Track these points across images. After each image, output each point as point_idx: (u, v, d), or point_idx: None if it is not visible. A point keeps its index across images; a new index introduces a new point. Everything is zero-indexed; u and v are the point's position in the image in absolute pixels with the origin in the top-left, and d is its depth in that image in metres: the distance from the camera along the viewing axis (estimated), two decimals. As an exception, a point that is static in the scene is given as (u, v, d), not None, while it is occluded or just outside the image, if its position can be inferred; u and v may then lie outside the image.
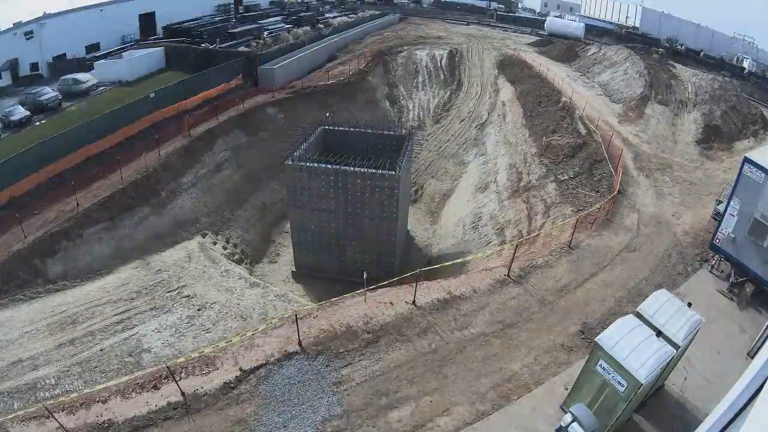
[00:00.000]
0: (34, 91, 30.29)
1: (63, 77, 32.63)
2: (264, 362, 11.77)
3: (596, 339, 9.49)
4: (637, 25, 58.45)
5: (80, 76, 32.81)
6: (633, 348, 9.00)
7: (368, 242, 21.75)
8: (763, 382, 6.82)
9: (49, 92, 30.09)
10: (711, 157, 26.20)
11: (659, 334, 9.71)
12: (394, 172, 20.13)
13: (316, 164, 20.91)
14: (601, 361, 9.31)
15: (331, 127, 24.78)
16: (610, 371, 9.13)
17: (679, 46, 51.65)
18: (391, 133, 24.45)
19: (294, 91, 34.85)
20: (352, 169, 20.31)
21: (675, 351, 9.41)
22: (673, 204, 20.39)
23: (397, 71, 42.04)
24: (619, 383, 9.01)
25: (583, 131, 26.25)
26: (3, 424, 10.41)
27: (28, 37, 34.96)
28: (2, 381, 13.99)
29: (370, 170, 20.25)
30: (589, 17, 63.86)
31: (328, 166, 20.57)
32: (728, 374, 9.77)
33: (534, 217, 21.84)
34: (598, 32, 58.33)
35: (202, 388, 11.17)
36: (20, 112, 28.00)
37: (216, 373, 11.58)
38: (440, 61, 42.95)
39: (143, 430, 10.36)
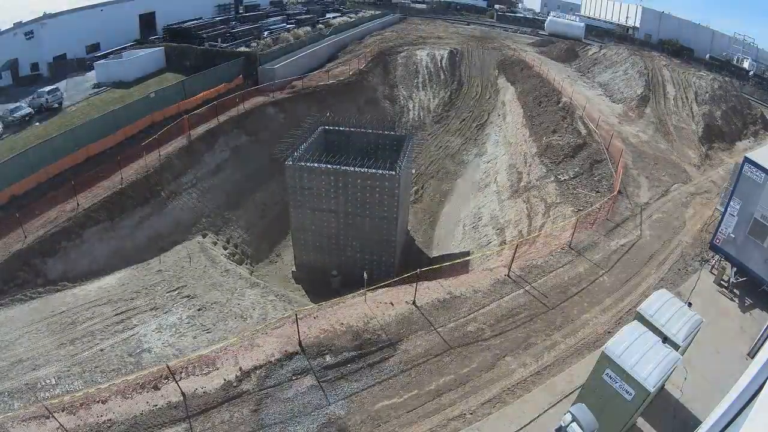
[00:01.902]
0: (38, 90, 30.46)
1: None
2: (264, 362, 11.76)
3: (603, 348, 9.29)
4: (638, 25, 58.47)
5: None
6: (641, 356, 8.88)
7: (368, 242, 21.75)
8: (763, 382, 6.81)
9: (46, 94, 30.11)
10: (712, 157, 26.21)
11: (665, 339, 9.68)
12: (394, 172, 20.14)
13: (316, 164, 20.91)
14: (608, 370, 9.12)
15: (331, 127, 24.78)
16: (618, 380, 8.99)
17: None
18: (391, 133, 24.44)
19: (294, 91, 34.83)
20: (352, 169, 20.31)
21: (680, 357, 9.32)
22: (674, 204, 20.40)
23: (398, 71, 42.03)
24: (627, 392, 8.88)
25: (583, 131, 26.24)
26: (3, 424, 10.40)
27: (28, 37, 34.93)
28: (2, 381, 14.00)
29: (370, 170, 20.26)
30: (589, 17, 63.91)
31: (328, 166, 20.57)
32: (728, 374, 9.75)
33: (534, 217, 21.84)
34: (598, 32, 58.40)
35: (202, 388, 11.17)
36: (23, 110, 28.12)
37: (216, 373, 11.58)
38: (440, 61, 42.93)
39: (144, 430, 10.36)
